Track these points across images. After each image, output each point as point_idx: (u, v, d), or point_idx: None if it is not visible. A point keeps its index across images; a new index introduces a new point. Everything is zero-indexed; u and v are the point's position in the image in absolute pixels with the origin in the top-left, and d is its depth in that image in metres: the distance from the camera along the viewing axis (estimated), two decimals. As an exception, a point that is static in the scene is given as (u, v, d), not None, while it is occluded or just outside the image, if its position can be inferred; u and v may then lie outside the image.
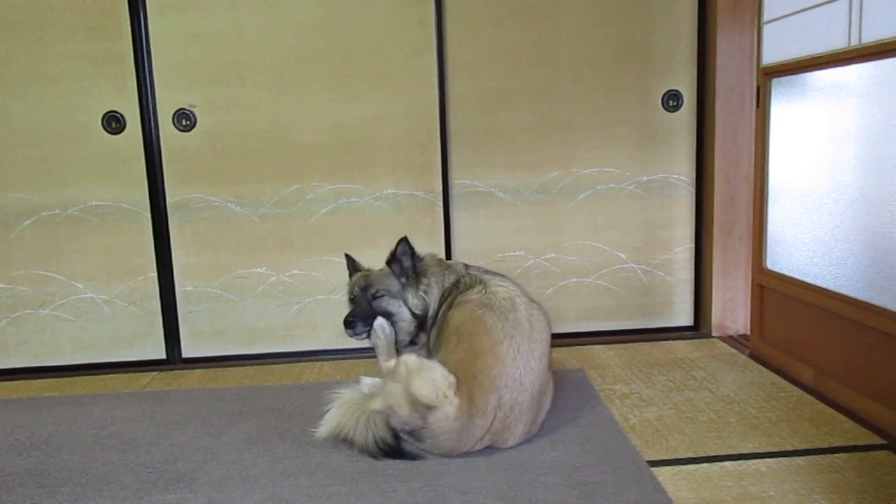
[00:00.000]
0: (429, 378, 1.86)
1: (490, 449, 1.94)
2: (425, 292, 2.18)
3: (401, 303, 2.16)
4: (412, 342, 2.21)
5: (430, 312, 2.18)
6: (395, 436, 1.91)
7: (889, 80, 2.01)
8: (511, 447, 1.95)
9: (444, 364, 1.92)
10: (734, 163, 2.87)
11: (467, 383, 1.88)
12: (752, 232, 2.82)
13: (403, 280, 2.18)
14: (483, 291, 2.07)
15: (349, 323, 2.14)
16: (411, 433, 1.91)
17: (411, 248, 2.17)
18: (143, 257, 2.85)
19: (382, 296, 2.16)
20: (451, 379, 1.87)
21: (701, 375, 2.51)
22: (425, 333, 2.20)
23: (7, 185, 2.77)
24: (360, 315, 2.16)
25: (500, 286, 2.10)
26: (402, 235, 2.17)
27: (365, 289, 2.19)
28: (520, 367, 1.91)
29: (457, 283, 2.18)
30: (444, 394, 1.84)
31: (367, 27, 2.78)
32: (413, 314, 2.17)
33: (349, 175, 2.86)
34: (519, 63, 2.85)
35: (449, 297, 2.16)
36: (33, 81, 2.73)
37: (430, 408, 1.84)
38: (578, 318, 3.04)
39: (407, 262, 2.17)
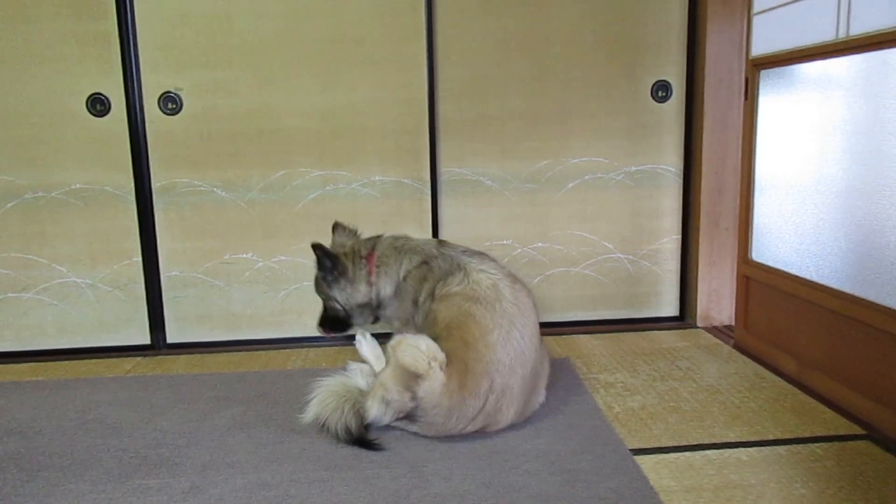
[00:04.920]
0: (414, 345, 1.90)
1: (474, 437, 1.95)
2: (368, 282, 2.24)
3: (335, 303, 2.28)
4: (376, 319, 2.34)
5: (385, 294, 2.25)
6: (360, 424, 1.94)
7: (876, 72, 2.02)
8: (500, 429, 1.98)
9: None
10: (722, 154, 2.88)
11: (459, 370, 1.90)
12: (738, 223, 2.83)
13: (332, 277, 2.26)
14: (465, 281, 2.08)
15: (320, 328, 2.38)
16: (405, 416, 1.93)
17: (323, 252, 2.22)
18: (127, 241, 2.83)
19: (325, 299, 2.31)
20: (440, 355, 1.90)
21: (685, 365, 2.53)
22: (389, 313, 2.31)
23: (-11, 166, 2.75)
24: (325, 319, 2.35)
25: (481, 271, 2.10)
26: (315, 243, 2.23)
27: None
28: (510, 353, 1.94)
29: (425, 262, 2.20)
30: (430, 363, 1.87)
31: (357, 12, 2.76)
32: (358, 304, 2.26)
33: (337, 161, 2.85)
34: (509, 51, 2.83)
35: (425, 282, 2.17)
36: (16, 62, 2.68)
37: (418, 377, 1.86)
38: (565, 308, 3.04)
39: (327, 265, 2.25)
